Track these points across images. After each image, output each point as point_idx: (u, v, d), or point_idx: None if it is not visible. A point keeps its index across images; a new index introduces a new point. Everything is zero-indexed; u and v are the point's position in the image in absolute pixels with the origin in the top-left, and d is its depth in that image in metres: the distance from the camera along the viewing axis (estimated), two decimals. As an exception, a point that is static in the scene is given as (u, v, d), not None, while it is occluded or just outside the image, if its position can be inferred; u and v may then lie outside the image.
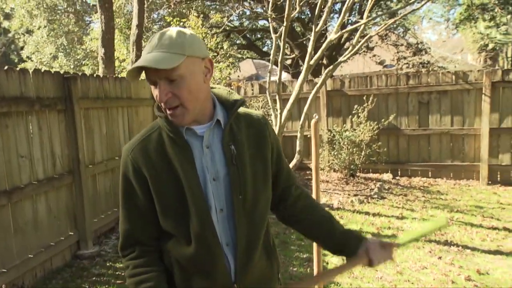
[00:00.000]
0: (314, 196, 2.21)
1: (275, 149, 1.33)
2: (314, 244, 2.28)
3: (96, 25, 13.34)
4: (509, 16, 10.96)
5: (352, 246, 1.34)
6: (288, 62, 13.48)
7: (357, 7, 12.53)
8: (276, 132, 5.90)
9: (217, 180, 1.21)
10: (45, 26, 12.55)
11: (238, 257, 1.22)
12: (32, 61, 13.47)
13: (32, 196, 3.63)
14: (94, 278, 3.74)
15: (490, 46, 29.22)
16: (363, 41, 5.88)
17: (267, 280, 1.34)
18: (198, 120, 1.21)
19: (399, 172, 7.20)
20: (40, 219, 3.72)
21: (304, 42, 12.94)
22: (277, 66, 5.98)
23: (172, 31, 1.14)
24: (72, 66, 12.37)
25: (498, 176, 6.52)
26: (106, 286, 3.57)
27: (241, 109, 1.33)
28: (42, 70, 3.91)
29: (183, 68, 1.12)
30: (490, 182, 6.52)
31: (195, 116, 1.18)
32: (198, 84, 1.16)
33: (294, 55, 13.28)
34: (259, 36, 17.47)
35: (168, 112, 1.16)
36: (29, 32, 14.44)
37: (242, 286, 1.24)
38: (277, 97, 5.85)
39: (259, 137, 1.29)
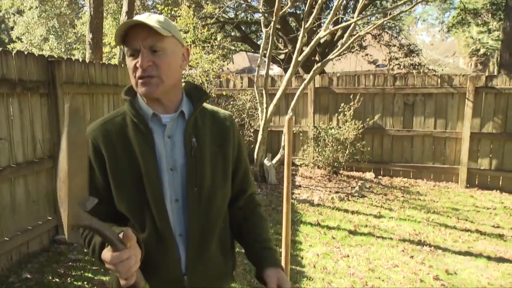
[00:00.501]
0: (285, 191, 2.26)
1: (236, 148, 1.36)
2: (283, 240, 2.33)
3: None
4: (500, 23, 11.06)
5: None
6: (281, 56, 13.49)
7: (352, 5, 12.56)
8: (262, 126, 5.96)
9: (174, 170, 1.23)
10: (36, 7, 12.36)
11: (189, 249, 1.24)
12: (22, 42, 13.27)
13: (11, 179, 3.62)
14: (70, 263, 3.76)
15: (482, 51, 29.53)
16: (352, 39, 5.93)
17: (220, 276, 1.35)
18: (165, 106, 1.24)
19: (381, 172, 7.30)
20: (18, 203, 3.72)
21: (297, 37, 12.97)
22: (273, 60, 6.00)
23: (159, 15, 1.21)
24: (63, 50, 12.22)
25: (476, 179, 6.66)
26: (82, 271, 3.59)
27: (210, 107, 1.37)
28: (26, 53, 3.88)
29: (168, 43, 1.18)
30: (468, 185, 6.65)
31: (166, 93, 1.21)
32: (176, 64, 1.22)
33: (287, 50, 13.29)
34: (253, 29, 17.41)
35: (142, 80, 1.17)
36: (20, 12, 14.21)
37: (193, 278, 1.26)
38: (263, 92, 5.89)
39: (223, 135, 1.32)
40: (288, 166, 2.26)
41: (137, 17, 1.18)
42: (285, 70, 13.37)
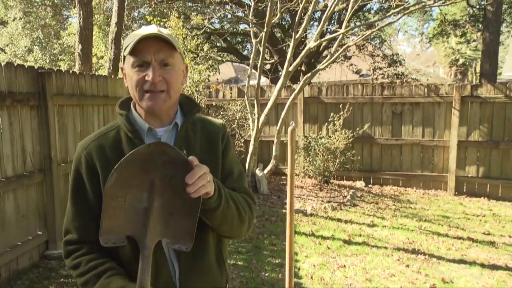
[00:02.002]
0: (288, 202, 2.25)
1: (223, 151, 1.33)
2: (287, 250, 2.31)
3: (74, 20, 13.06)
4: (479, 33, 11.39)
5: None
6: (267, 67, 13.58)
7: (336, 16, 12.75)
8: (253, 136, 5.95)
9: None
10: (20, 18, 12.18)
11: (182, 263, 1.21)
12: (5, 53, 13.03)
13: (0, 194, 3.52)
14: (62, 279, 3.66)
15: (461, 61, 30.33)
16: (341, 50, 6.01)
17: None
18: (162, 120, 1.23)
19: (371, 180, 7.36)
20: (8, 218, 3.61)
21: (284, 48, 13.07)
22: (256, 70, 6.03)
23: (166, 29, 1.21)
24: (47, 61, 12.04)
25: (464, 187, 6.77)
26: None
27: (202, 117, 1.37)
28: (15, 64, 3.81)
29: (176, 59, 1.19)
30: (456, 193, 6.75)
31: (169, 107, 1.21)
32: (180, 80, 1.23)
33: (273, 61, 13.38)
34: (239, 39, 17.51)
35: (149, 94, 1.16)
36: (3, 23, 13.98)
37: None
38: (255, 102, 5.89)
39: (212, 142, 1.30)
40: (291, 177, 2.25)
41: (147, 29, 1.17)
42: (272, 81, 13.45)
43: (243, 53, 17.92)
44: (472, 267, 4.04)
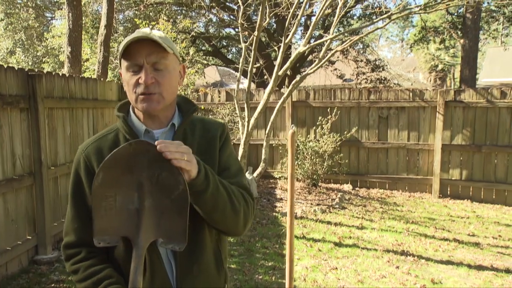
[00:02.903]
0: (288, 205, 2.28)
1: (221, 149, 1.32)
2: (287, 252, 2.34)
3: (58, 22, 12.86)
4: (461, 40, 11.71)
5: None
6: (253, 71, 13.62)
7: (320, 21, 12.92)
8: (243, 139, 5.98)
9: None
10: (2, 19, 11.93)
11: (179, 263, 1.21)
12: (-15, 54, 12.75)
13: (-10, 198, 3.45)
14: (53, 285, 3.60)
15: (440, 66, 31.09)
16: (330, 54, 6.11)
17: None
18: (160, 122, 1.24)
19: (358, 183, 7.47)
20: (-3, 222, 3.54)
21: (270, 52, 13.16)
22: (244, 74, 6.06)
23: (159, 31, 1.21)
24: (30, 63, 11.81)
25: (448, 190, 6.94)
26: (67, 293, 3.45)
27: (201, 117, 1.38)
28: (5, 66, 3.74)
29: (170, 60, 1.20)
30: (441, 196, 6.91)
31: (165, 108, 1.22)
32: (175, 81, 1.23)
33: (259, 65, 13.45)
34: (224, 43, 17.53)
35: (143, 96, 1.17)
36: (-18, 24, 13.64)
37: None
38: (245, 105, 5.92)
39: (209, 142, 1.30)
40: (291, 180, 2.28)
41: (139, 32, 1.18)
42: (258, 85, 13.52)
43: (228, 56, 17.95)
44: (459, 267, 4.15)
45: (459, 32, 13.92)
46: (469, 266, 4.18)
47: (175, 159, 1.04)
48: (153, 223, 1.08)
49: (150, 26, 7.19)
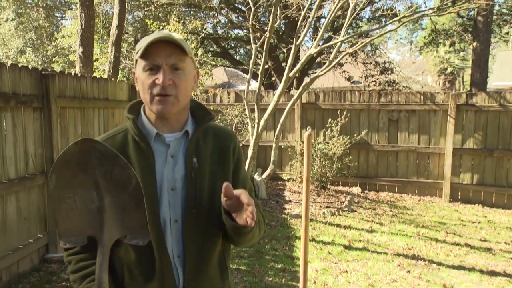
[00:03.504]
0: (303, 207, 2.27)
1: (235, 163, 1.33)
2: (301, 255, 2.33)
3: (68, 22, 12.97)
4: (474, 43, 11.60)
5: None
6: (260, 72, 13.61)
7: (329, 23, 12.88)
8: (253, 141, 5.97)
9: (175, 190, 1.21)
10: (13, 19, 12.04)
11: (186, 271, 1.21)
12: (-3, 54, 12.87)
13: (2, 196, 3.47)
14: (63, 283, 3.61)
15: (449, 70, 30.86)
16: (341, 56, 6.09)
17: None
18: (172, 126, 1.23)
19: (367, 186, 7.42)
20: (10, 220, 3.56)
21: (278, 54, 13.14)
22: (253, 76, 6.06)
23: (177, 34, 1.21)
24: (40, 63, 11.91)
25: (459, 194, 6.87)
26: (77, 292, 3.45)
27: (213, 125, 1.35)
28: (20, 66, 3.77)
29: (187, 63, 1.20)
30: (451, 200, 6.85)
31: (179, 112, 1.21)
32: (190, 85, 1.23)
33: (267, 66, 13.43)
34: (232, 44, 17.55)
35: (159, 98, 1.16)
36: (-6, 23, 13.79)
37: None
38: (255, 107, 5.92)
39: (223, 153, 1.29)
40: (307, 182, 2.27)
41: (159, 33, 1.17)
42: (266, 86, 13.50)
43: (236, 58, 17.96)
44: (471, 273, 4.09)
45: (470, 35, 13.81)
46: (482, 271, 4.13)
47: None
48: (115, 220, 1.08)
49: (158, 28, 7.23)
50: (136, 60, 1.20)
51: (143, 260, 1.18)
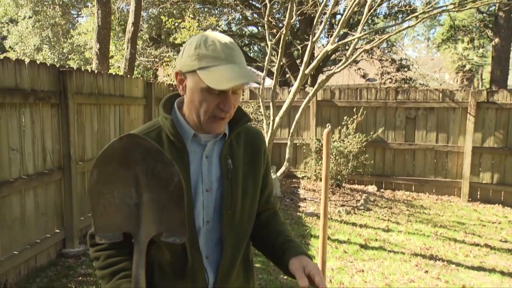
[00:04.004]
0: (322, 205, 2.22)
1: (264, 168, 1.34)
2: (319, 254, 2.29)
3: (83, 19, 13.09)
4: (496, 39, 11.33)
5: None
6: (274, 69, 13.55)
7: (346, 20, 12.73)
8: (267, 138, 5.93)
9: (210, 191, 1.20)
10: (30, 17, 12.22)
11: (220, 272, 1.22)
12: (15, 51, 13.08)
13: (21, 191, 3.51)
14: (80, 278, 3.64)
15: (467, 67, 30.26)
16: (358, 53, 5.99)
17: None
18: None
19: (383, 185, 7.32)
20: (28, 215, 3.60)
21: (292, 51, 13.06)
22: (268, 73, 6.01)
23: (234, 43, 1.14)
24: (56, 60, 12.06)
25: (478, 193, 6.72)
26: (94, 286, 3.48)
27: (245, 126, 1.32)
28: (38, 62, 3.80)
29: None
30: (470, 199, 6.70)
31: None
32: None
33: (282, 63, 13.36)
34: (246, 41, 17.51)
35: (217, 120, 1.14)
36: (13, 21, 14.03)
37: None
38: (270, 104, 5.88)
39: (254, 155, 1.29)
40: (325, 180, 2.23)
41: (231, 56, 1.10)
42: (280, 84, 13.44)
43: (250, 55, 17.92)
44: (491, 274, 4.00)
45: (490, 31, 13.50)
46: (502, 273, 4.03)
47: None
48: (153, 217, 1.06)
49: (176, 24, 7.23)
50: (194, 70, 1.10)
51: (176, 259, 1.18)
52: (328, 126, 2.19)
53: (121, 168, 1.04)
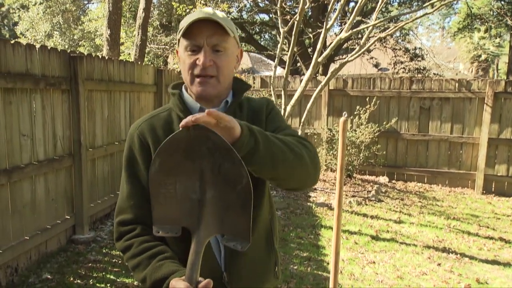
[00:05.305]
0: (336, 196, 2.16)
1: (268, 117, 1.28)
2: (333, 245, 2.23)
3: (94, 6, 13.05)
4: (502, 29, 11.02)
5: None
6: (285, 58, 13.39)
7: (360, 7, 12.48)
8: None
9: None
10: (41, 3, 12.20)
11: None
12: (26, 37, 13.11)
13: (32, 177, 3.51)
14: (90, 264, 3.65)
15: (483, 57, 29.62)
16: (373, 41, 5.86)
17: (261, 272, 1.28)
18: (213, 103, 1.22)
19: (395, 176, 7.22)
20: (38, 201, 3.60)
21: (304, 39, 12.88)
22: (281, 60, 5.91)
23: (222, 12, 1.17)
24: (66, 46, 12.06)
25: (493, 186, 6.59)
26: (103, 273, 3.48)
27: (248, 96, 1.35)
28: (49, 48, 3.77)
29: (230, 44, 1.16)
30: (484, 192, 6.58)
31: (219, 93, 1.20)
32: (232, 65, 1.21)
33: (293, 52, 13.18)
34: (257, 29, 17.32)
35: (199, 79, 1.15)
36: (24, 7, 14.04)
37: (233, 274, 1.20)
38: (282, 92, 5.79)
39: (257, 116, 1.27)
40: (341, 170, 2.16)
41: (202, 11, 1.13)
42: (291, 72, 13.28)
43: (261, 43, 17.74)
44: (506, 268, 3.92)
45: (509, 19, 13.13)
46: (517, 267, 3.94)
47: (220, 119, 0.94)
48: (216, 217, 0.99)
49: (188, 11, 7.14)
50: (179, 40, 1.18)
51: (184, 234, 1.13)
52: (345, 114, 2.11)
53: (186, 160, 0.97)
